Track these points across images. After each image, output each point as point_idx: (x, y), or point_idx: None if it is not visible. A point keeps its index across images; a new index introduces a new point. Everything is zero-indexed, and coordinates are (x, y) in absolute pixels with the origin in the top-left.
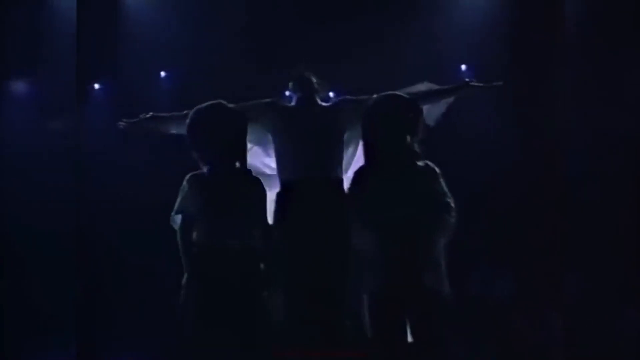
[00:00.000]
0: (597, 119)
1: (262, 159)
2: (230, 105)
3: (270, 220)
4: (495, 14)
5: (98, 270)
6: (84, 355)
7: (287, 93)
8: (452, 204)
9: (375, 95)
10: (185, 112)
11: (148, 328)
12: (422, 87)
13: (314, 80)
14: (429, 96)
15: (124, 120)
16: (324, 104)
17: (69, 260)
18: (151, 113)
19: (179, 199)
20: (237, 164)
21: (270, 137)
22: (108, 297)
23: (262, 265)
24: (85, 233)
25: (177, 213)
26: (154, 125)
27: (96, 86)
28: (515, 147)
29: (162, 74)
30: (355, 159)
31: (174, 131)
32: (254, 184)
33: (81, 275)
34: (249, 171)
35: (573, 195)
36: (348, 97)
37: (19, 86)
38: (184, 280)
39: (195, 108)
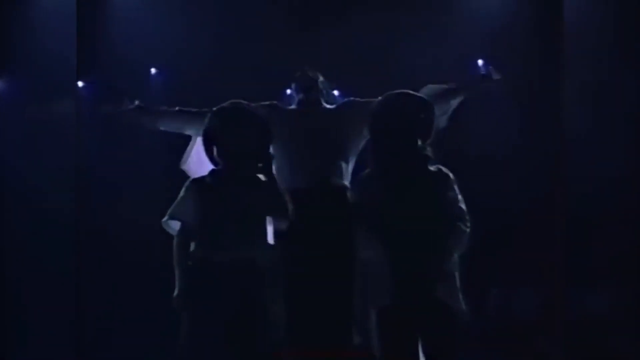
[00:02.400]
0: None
1: None
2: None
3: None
4: (505, 9)
5: (98, 270)
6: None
7: (288, 92)
8: (467, 213)
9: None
10: (177, 108)
11: (147, 329)
12: (427, 90)
13: (319, 79)
14: (444, 96)
15: (108, 106)
16: (328, 106)
17: (69, 260)
18: (137, 102)
19: (174, 204)
20: (260, 165)
21: None
22: (108, 296)
23: (263, 280)
24: (85, 233)
25: (170, 218)
26: (139, 117)
27: (95, 84)
28: (533, 152)
29: (153, 70)
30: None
31: (161, 127)
32: (266, 192)
33: (81, 274)
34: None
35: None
36: (354, 99)
37: (16, 84)
38: (175, 293)
39: (220, 106)
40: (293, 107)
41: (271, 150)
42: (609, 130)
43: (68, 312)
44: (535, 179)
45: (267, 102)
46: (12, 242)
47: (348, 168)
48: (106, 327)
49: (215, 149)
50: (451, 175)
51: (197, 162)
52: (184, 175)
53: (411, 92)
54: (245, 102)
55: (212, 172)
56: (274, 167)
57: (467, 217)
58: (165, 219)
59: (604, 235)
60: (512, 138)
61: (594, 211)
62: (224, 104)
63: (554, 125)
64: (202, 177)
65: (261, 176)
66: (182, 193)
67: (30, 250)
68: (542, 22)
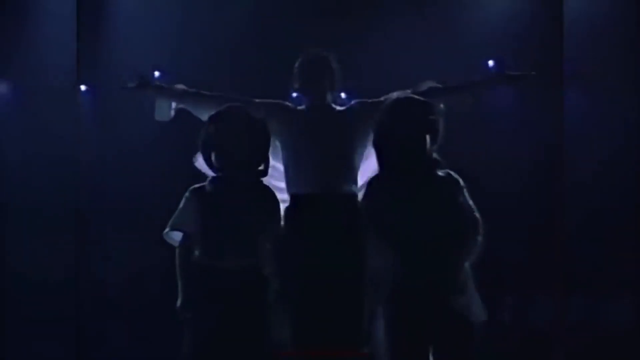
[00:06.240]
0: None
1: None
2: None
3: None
4: (505, 9)
5: (98, 271)
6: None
7: (294, 95)
8: (480, 219)
9: (390, 95)
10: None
11: (148, 332)
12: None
13: (327, 58)
14: (458, 91)
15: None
16: (337, 107)
17: (69, 261)
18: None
19: (175, 215)
20: (261, 167)
21: (277, 144)
22: (109, 297)
23: (267, 288)
24: (85, 234)
25: (172, 229)
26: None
27: (94, 88)
28: (532, 154)
29: (157, 74)
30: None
31: (181, 105)
32: (266, 197)
33: (81, 275)
34: (261, 182)
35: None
36: (363, 100)
37: (17, 86)
38: (178, 303)
39: (217, 111)
40: (302, 107)
41: (269, 153)
42: (612, 132)
43: (68, 312)
44: (535, 180)
45: (275, 101)
46: (12, 243)
47: (357, 172)
48: (106, 329)
49: (213, 156)
50: (461, 180)
51: None
52: (185, 176)
53: (417, 96)
54: (242, 105)
55: (211, 179)
56: (279, 170)
57: (479, 224)
58: (166, 230)
59: (607, 240)
60: (511, 139)
61: (596, 214)
62: (221, 109)
63: (555, 128)
64: (202, 186)
65: (261, 180)
66: (181, 203)
67: (30, 251)
68: (542, 21)
